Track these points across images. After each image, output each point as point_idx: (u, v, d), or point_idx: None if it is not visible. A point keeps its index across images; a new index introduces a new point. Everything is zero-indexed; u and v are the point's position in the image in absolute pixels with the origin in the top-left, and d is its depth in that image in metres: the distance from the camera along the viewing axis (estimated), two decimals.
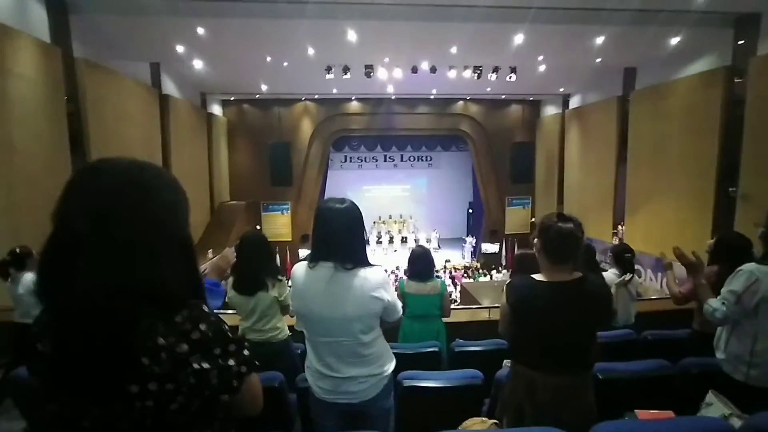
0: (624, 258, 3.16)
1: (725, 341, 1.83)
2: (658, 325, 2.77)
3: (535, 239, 1.54)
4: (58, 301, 0.61)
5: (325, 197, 11.62)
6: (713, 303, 1.79)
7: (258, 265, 2.48)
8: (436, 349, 2.36)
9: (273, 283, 2.52)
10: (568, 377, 1.47)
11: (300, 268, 1.51)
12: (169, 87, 8.23)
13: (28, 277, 3.06)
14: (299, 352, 2.69)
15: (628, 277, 3.01)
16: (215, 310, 1.72)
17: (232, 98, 11.63)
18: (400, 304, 1.54)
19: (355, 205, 1.50)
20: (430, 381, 1.79)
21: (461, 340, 2.53)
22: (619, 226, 9.04)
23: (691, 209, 6.84)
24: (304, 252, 12.26)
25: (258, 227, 11.83)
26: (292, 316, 2.64)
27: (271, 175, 11.87)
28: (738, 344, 1.77)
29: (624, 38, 6.46)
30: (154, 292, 0.61)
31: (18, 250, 3.12)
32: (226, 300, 2.57)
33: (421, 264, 2.77)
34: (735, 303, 1.72)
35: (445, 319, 2.83)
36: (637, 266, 8.10)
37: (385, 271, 1.57)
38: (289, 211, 12.29)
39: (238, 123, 11.99)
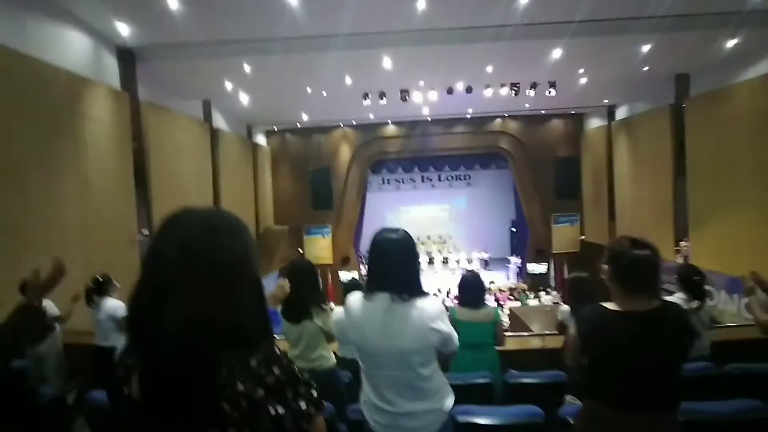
0: (693, 281, 2.85)
1: None
2: (739, 356, 2.45)
3: (605, 266, 1.43)
4: (147, 342, 0.65)
5: (364, 219, 11.69)
6: None
7: (305, 293, 2.51)
8: (488, 380, 2.24)
9: (318, 312, 2.53)
10: (651, 417, 1.33)
11: (355, 300, 1.50)
12: (219, 121, 8.86)
13: (108, 303, 3.31)
14: (347, 381, 2.66)
15: (695, 304, 2.69)
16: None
17: (275, 128, 12.31)
18: (456, 336, 1.49)
19: (409, 234, 1.49)
20: (486, 417, 1.68)
21: (514, 371, 2.38)
22: (682, 243, 8.31)
23: (765, 224, 6.15)
24: (344, 274, 12.37)
25: (300, 250, 12.17)
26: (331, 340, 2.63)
27: (313, 199, 12.29)
28: None
29: (672, 44, 6.14)
30: (234, 330, 0.64)
31: (100, 278, 3.38)
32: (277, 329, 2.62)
33: (473, 290, 2.68)
34: None
35: (497, 348, 2.69)
36: (708, 287, 7.40)
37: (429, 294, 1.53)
38: (329, 234, 12.54)
39: (281, 151, 12.60)
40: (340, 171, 12.55)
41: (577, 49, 6.22)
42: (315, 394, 0.73)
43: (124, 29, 5.10)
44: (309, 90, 7.96)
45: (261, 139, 12.03)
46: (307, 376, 0.74)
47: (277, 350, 0.71)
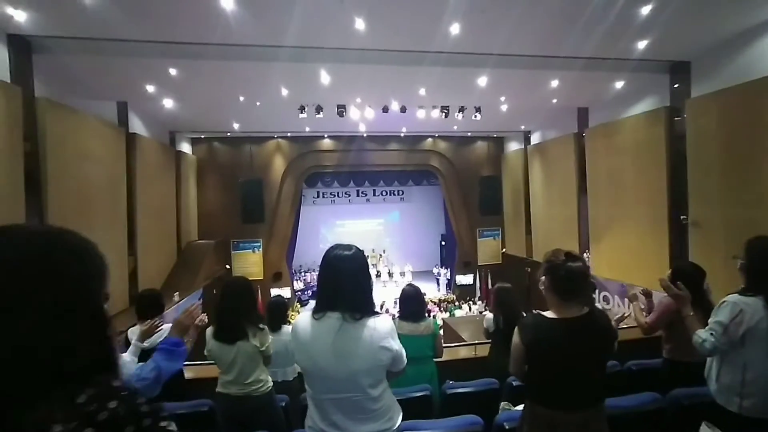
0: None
1: (716, 372, 1.86)
2: (631, 353, 2.84)
3: (542, 277, 1.57)
4: None
5: (298, 233, 11.30)
6: (702, 334, 1.83)
7: (239, 313, 2.37)
8: (427, 392, 2.30)
9: (254, 332, 2.40)
10: (587, 412, 1.47)
11: (304, 320, 1.43)
12: (137, 125, 8.04)
13: None
14: (283, 404, 2.54)
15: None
16: (175, 371, 1.53)
17: (203, 136, 11.51)
18: (405, 353, 1.49)
19: (362, 251, 1.47)
20: (430, 431, 1.72)
21: (452, 382, 2.48)
22: (584, 255, 9.45)
23: (649, 237, 7.30)
24: (275, 291, 11.83)
25: (228, 266, 11.39)
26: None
27: (242, 212, 11.64)
28: (729, 375, 1.80)
29: (576, 82, 7.08)
30: (60, 363, 0.57)
31: None
32: (206, 352, 2.42)
33: (413, 304, 2.74)
34: (722, 333, 1.76)
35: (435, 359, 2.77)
36: (604, 293, 8.48)
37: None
38: (260, 249, 11.95)
39: (208, 161, 11.79)
40: (272, 183, 12.10)
41: (500, 79, 6.86)
42: (165, 424, 0.63)
43: (20, 16, 4.43)
44: (242, 98, 7.62)
45: (186, 147, 11.14)
46: (157, 406, 0.63)
47: (115, 384, 0.62)
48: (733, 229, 5.56)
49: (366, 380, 1.36)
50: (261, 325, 2.43)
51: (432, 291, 15.01)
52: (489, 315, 3.25)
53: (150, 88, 6.73)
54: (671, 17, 4.79)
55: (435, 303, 13.47)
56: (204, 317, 2.20)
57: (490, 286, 12.82)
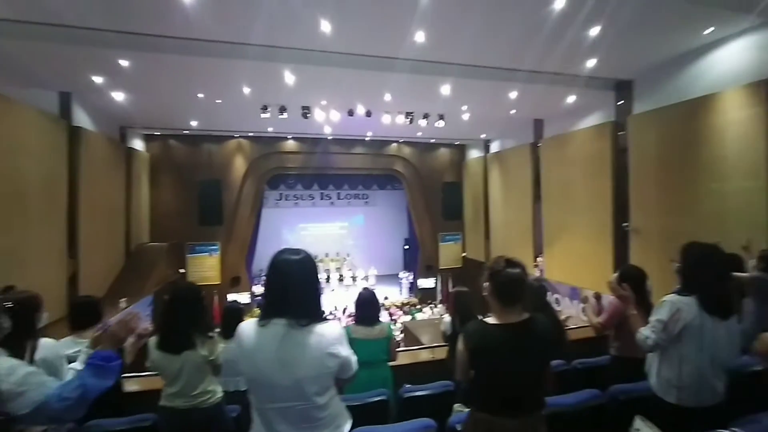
0: (538, 291, 3.45)
1: (657, 367, 1.99)
2: (582, 352, 3.02)
3: (486, 283, 1.62)
4: None
5: (258, 236, 10.95)
6: (644, 331, 1.96)
7: (187, 320, 2.25)
8: (384, 397, 2.30)
9: (203, 340, 2.29)
10: (526, 418, 1.52)
11: (248, 327, 1.38)
12: (82, 119, 7.47)
13: None
14: (234, 415, 2.44)
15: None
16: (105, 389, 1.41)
17: (157, 133, 10.89)
18: (355, 359, 1.47)
19: (311, 256, 1.44)
20: None
21: (409, 386, 2.50)
22: (539, 259, 9.93)
23: (595, 242, 7.80)
24: (233, 296, 11.40)
25: (182, 271, 10.84)
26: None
27: (200, 214, 11.15)
28: (668, 369, 1.93)
29: (533, 94, 7.46)
30: None
31: None
32: (147, 363, 2.27)
33: (368, 308, 2.73)
34: (662, 330, 1.90)
35: (390, 363, 2.79)
36: (556, 295, 8.92)
37: (324, 313, 1.49)
38: (218, 253, 11.47)
39: (164, 159, 11.17)
40: (232, 184, 11.68)
41: (462, 89, 7.08)
42: None
43: None
44: (201, 96, 7.32)
45: (138, 144, 10.49)
46: None
47: None
48: (667, 235, 6.07)
49: (312, 388, 1.33)
50: (210, 333, 2.32)
51: (395, 295, 15.10)
52: (447, 318, 3.31)
53: (98, 80, 6.30)
54: (616, 39, 5.18)
55: (398, 307, 13.56)
56: (148, 326, 2.07)
57: (450, 290, 13.09)
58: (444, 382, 2.48)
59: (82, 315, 2.42)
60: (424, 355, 3.76)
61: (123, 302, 7.24)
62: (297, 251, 1.42)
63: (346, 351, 1.41)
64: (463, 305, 3.09)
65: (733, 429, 1.49)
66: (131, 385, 2.90)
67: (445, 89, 6.99)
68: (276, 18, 4.54)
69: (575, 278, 8.29)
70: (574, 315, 8.07)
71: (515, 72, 6.44)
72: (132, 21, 4.68)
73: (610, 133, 7.48)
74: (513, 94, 7.46)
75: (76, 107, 7.27)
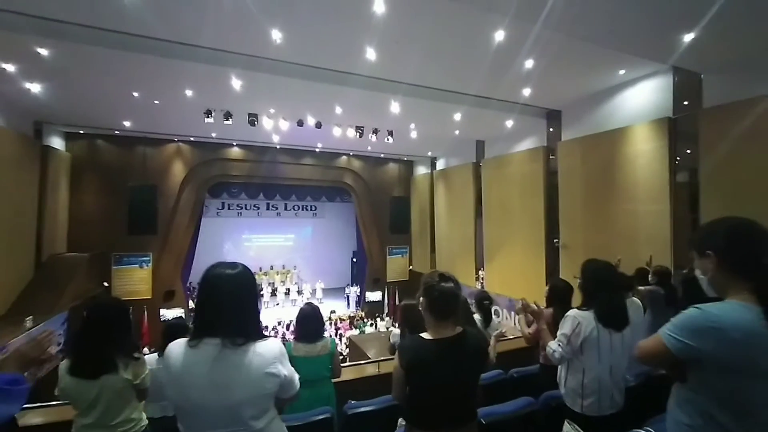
0: (483, 305, 3.64)
1: (564, 378, 2.14)
2: (519, 362, 3.20)
3: (421, 298, 1.64)
4: None
5: (197, 247, 10.23)
6: (552, 345, 2.12)
7: (107, 341, 2.02)
8: (328, 415, 2.24)
9: (126, 363, 2.06)
10: (461, 431, 1.55)
11: (176, 348, 1.27)
12: None
13: None
14: None
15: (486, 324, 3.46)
16: (12, 415, 1.22)
17: (82, 131, 9.87)
18: (297, 377, 1.41)
19: (248, 269, 1.35)
20: None
21: (353, 401, 2.46)
22: (480, 272, 10.43)
23: (530, 257, 8.39)
24: (166, 312, 10.51)
25: (106, 284, 9.80)
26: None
27: (129, 221, 10.23)
28: (573, 379, 2.08)
29: (475, 117, 7.95)
30: None
31: None
32: (57, 391, 2.00)
33: (311, 324, 2.65)
34: (567, 344, 2.05)
35: (334, 380, 2.73)
36: (495, 307, 9.39)
37: (267, 328, 1.40)
38: (150, 264, 10.55)
39: (88, 160, 10.12)
40: (169, 190, 10.88)
41: (409, 107, 7.35)
42: None
43: None
44: (136, 94, 6.81)
45: (57, 142, 9.42)
46: None
47: None
48: (591, 250, 6.71)
49: (249, 411, 1.24)
50: (136, 354, 2.12)
51: (342, 308, 14.90)
52: (396, 331, 3.32)
53: (9, 68, 5.61)
54: (546, 72, 5.73)
55: (344, 320, 13.38)
56: (52, 348, 1.83)
57: (397, 303, 13.23)
58: (389, 397, 2.48)
59: None
60: (370, 370, 3.73)
61: (29, 321, 6.36)
62: (233, 265, 1.33)
63: (287, 369, 1.34)
64: (411, 318, 3.12)
65: (647, 429, 1.64)
66: (32, 418, 2.54)
67: (395, 107, 7.20)
68: (225, 21, 4.41)
69: (513, 290, 8.82)
70: (512, 327, 8.58)
71: (460, 95, 6.85)
72: (56, 6, 4.26)
73: (543, 157, 8.18)
74: (457, 116, 7.88)
75: None
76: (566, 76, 6.09)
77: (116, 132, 9.89)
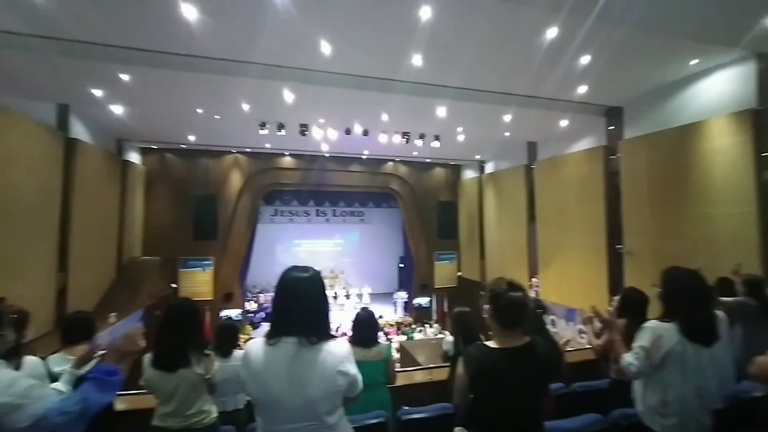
0: (536, 314, 3.44)
1: (642, 394, 1.95)
2: (582, 375, 2.99)
3: (486, 305, 1.61)
4: None
5: (253, 252, 10.83)
6: (627, 357, 1.93)
7: (182, 338, 2.21)
8: (382, 419, 2.25)
9: (198, 358, 2.24)
10: None
11: (256, 346, 1.36)
12: (79, 131, 7.48)
13: None
14: None
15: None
16: (107, 404, 1.39)
17: (155, 147, 10.91)
18: (361, 378, 1.45)
19: (319, 273, 1.43)
20: None
21: (406, 408, 2.45)
22: (533, 279, 9.95)
23: (590, 264, 7.85)
24: (226, 312, 11.21)
25: (174, 286, 10.66)
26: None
27: (194, 228, 11.08)
28: (652, 396, 1.89)
29: (526, 118, 7.64)
30: None
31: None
32: (141, 382, 2.22)
33: (366, 329, 2.69)
34: (645, 357, 1.86)
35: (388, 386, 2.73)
36: (552, 317, 8.90)
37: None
38: (211, 268, 11.32)
39: (160, 172, 11.15)
40: (228, 199, 11.65)
41: (458, 111, 7.24)
42: None
43: None
44: (200, 111, 7.39)
45: (135, 157, 10.49)
46: None
47: None
48: (660, 258, 6.14)
49: (323, 407, 1.31)
50: (207, 351, 2.28)
51: (389, 314, 14.94)
52: (449, 338, 3.26)
53: (97, 93, 6.35)
54: (605, 68, 5.38)
55: (392, 326, 13.40)
56: (142, 342, 2.03)
57: (446, 309, 13.01)
58: (443, 405, 2.43)
59: (73, 331, 2.36)
60: (421, 377, 3.70)
61: (113, 317, 7.08)
62: (305, 269, 1.41)
63: (354, 369, 1.40)
64: (465, 326, 3.07)
65: None
66: (120, 404, 2.81)
67: (441, 111, 7.15)
68: (277, 38, 4.66)
69: (571, 299, 8.30)
70: (570, 337, 8.06)
71: (510, 96, 6.63)
72: (135, 36, 4.76)
73: (602, 157, 7.65)
74: (507, 117, 7.63)
75: (74, 119, 7.29)
76: (628, 70, 5.68)
77: (182, 146, 10.80)
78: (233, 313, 11.39)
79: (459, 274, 13.86)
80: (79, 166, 7.10)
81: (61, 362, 2.21)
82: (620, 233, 7.13)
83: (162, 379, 2.15)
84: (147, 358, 2.19)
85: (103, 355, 1.63)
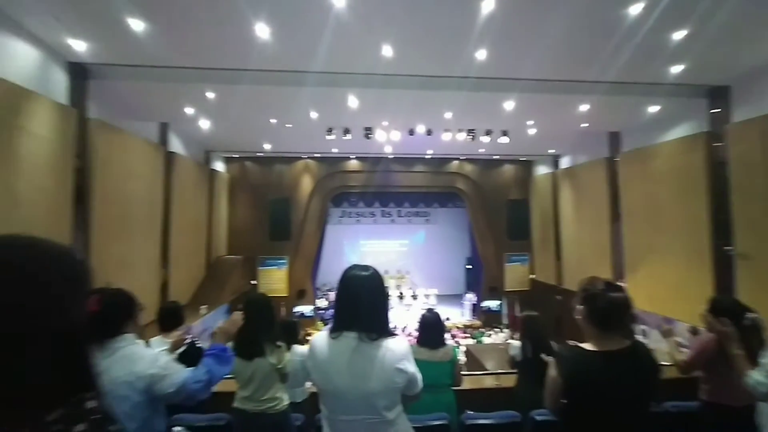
0: None
1: None
2: (669, 393, 2.62)
3: (579, 306, 1.49)
4: None
5: (323, 252, 11.40)
6: (756, 376, 1.66)
7: (259, 329, 2.40)
8: (445, 422, 2.21)
9: (271, 349, 2.41)
10: None
11: (321, 339, 1.44)
12: (176, 145, 8.55)
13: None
14: (298, 424, 2.51)
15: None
16: (225, 376, 1.68)
17: (236, 155, 12.05)
18: (420, 377, 1.46)
19: (379, 272, 1.49)
20: None
21: (471, 412, 2.37)
22: (619, 283, 8.98)
23: (691, 268, 6.85)
24: (300, 308, 11.92)
25: (253, 282, 11.62)
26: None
27: (270, 229, 11.97)
28: None
29: (606, 106, 6.93)
30: (14, 393, 0.54)
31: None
32: None
33: (433, 331, 2.69)
34: None
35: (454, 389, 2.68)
36: (643, 327, 7.95)
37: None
38: (286, 266, 12.14)
39: (240, 179, 12.29)
40: (300, 202, 12.41)
41: (527, 104, 6.83)
42: None
43: (79, 45, 4.89)
44: (273, 121, 7.97)
45: (219, 166, 11.69)
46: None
47: (89, 405, 0.60)
48: None
49: (381, 402, 1.33)
50: (279, 343, 2.45)
51: (456, 316, 14.62)
52: (515, 343, 3.12)
53: (189, 110, 7.17)
54: (708, 42, 4.65)
55: (459, 328, 13.09)
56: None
57: (518, 314, 12.35)
58: (510, 413, 2.31)
59: (169, 318, 2.71)
60: (489, 382, 3.56)
61: (203, 309, 7.95)
62: (366, 267, 1.47)
63: (413, 367, 1.41)
64: (534, 330, 2.91)
65: None
66: None
67: (509, 105, 6.80)
68: (340, 47, 4.82)
69: (666, 308, 7.31)
70: (667, 350, 7.13)
71: (587, 84, 6.07)
72: (217, 57, 5.29)
73: (704, 145, 6.63)
74: (584, 107, 7.01)
75: (172, 135, 8.34)
76: (737, 42, 4.84)
77: (259, 153, 11.76)
78: (306, 309, 12.07)
79: (532, 276, 13.07)
80: (176, 176, 8.12)
81: (161, 344, 2.55)
82: (728, 233, 6.11)
83: (241, 365, 2.36)
84: (229, 346, 2.42)
85: (212, 335, 1.93)
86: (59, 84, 5.26)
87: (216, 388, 3.15)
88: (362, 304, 1.39)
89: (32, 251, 0.61)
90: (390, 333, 1.41)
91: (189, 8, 4.14)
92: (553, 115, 7.75)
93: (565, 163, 11.50)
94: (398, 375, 1.35)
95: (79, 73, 5.48)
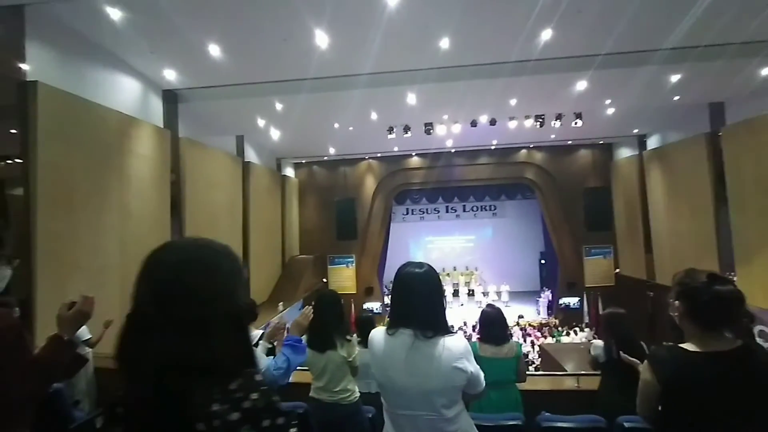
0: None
1: None
2: None
3: (675, 302, 1.32)
4: (129, 377, 0.69)
5: (388, 249, 11.59)
6: None
7: (329, 323, 2.51)
8: (519, 422, 2.10)
9: (342, 342, 2.51)
10: None
11: (378, 335, 1.46)
12: (251, 155, 9.31)
13: None
14: (370, 416, 2.58)
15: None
16: (299, 366, 1.81)
17: (303, 161, 12.78)
18: (482, 376, 1.42)
19: (434, 269, 1.46)
20: None
21: (548, 414, 2.23)
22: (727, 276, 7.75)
23: None
24: (368, 305, 12.24)
25: (324, 280, 12.21)
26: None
27: (337, 229, 12.48)
28: None
29: (703, 74, 6.02)
30: (209, 364, 0.66)
31: None
32: None
33: (495, 327, 2.59)
34: None
35: (522, 386, 2.55)
36: (761, 327, 6.80)
37: (453, 327, 1.47)
38: (353, 264, 12.56)
39: (308, 182, 13.00)
40: (364, 201, 12.74)
41: (602, 81, 6.21)
42: (294, 431, 0.72)
43: (171, 75, 5.58)
44: (336, 125, 8.28)
45: (289, 171, 12.48)
46: (290, 413, 0.71)
47: (257, 378, 0.71)
48: None
49: (440, 400, 1.31)
50: (348, 337, 2.54)
51: (531, 314, 13.86)
52: (598, 342, 2.87)
53: (260, 122, 7.76)
54: None
55: (534, 327, 12.39)
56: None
57: (600, 311, 11.30)
58: (592, 417, 2.12)
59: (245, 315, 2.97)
60: (568, 383, 3.32)
61: (281, 305, 8.56)
62: (420, 264, 1.45)
63: (472, 366, 1.37)
64: (619, 329, 2.65)
65: None
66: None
67: (581, 85, 6.25)
68: (395, 45, 4.86)
69: None
70: None
71: (678, 51, 5.31)
72: (281, 70, 5.66)
73: None
74: (675, 77, 6.17)
75: (247, 146, 9.11)
76: None
77: (324, 157, 12.31)
78: (374, 305, 12.36)
79: (617, 271, 11.87)
80: (252, 183, 8.85)
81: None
82: None
83: (314, 357, 2.50)
84: (304, 339, 2.57)
85: (287, 329, 2.11)
86: (156, 109, 6.06)
87: (293, 379, 3.39)
88: (417, 301, 1.37)
89: (211, 251, 0.77)
90: (447, 331, 1.38)
91: (256, 26, 4.48)
92: (636, 91, 6.92)
93: (653, 143, 10.24)
94: (457, 374, 1.32)
95: (170, 98, 6.25)
